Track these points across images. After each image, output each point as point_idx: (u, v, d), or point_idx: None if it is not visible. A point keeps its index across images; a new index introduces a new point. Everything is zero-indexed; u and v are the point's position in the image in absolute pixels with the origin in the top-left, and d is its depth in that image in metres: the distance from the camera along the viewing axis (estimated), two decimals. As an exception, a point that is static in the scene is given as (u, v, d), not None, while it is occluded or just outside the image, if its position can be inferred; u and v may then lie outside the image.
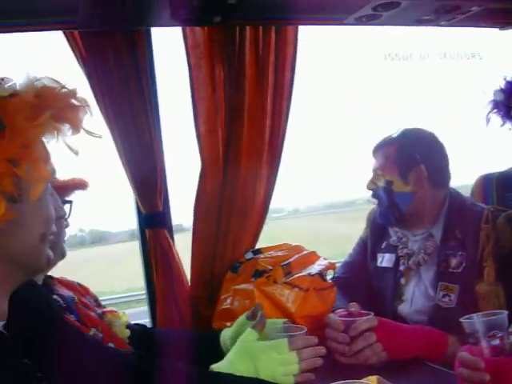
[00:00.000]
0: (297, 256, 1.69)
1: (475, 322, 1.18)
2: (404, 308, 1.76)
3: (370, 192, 1.80)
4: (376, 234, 1.94)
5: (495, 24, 1.94)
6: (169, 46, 1.93)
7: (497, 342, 1.14)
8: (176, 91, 1.87)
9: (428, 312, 1.70)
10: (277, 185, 1.84)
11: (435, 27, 1.89)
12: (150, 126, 1.74)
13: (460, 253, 1.67)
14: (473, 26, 1.93)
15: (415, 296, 1.75)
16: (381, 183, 1.76)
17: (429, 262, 1.73)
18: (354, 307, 1.51)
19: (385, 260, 1.87)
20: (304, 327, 1.35)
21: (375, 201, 1.82)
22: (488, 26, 1.94)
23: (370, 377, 1.13)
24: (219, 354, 1.29)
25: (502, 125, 1.24)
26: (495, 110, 1.24)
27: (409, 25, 1.83)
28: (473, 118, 1.37)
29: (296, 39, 1.80)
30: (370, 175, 1.81)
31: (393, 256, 1.84)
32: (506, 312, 1.19)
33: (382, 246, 1.90)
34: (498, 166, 1.95)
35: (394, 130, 1.83)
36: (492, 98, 1.24)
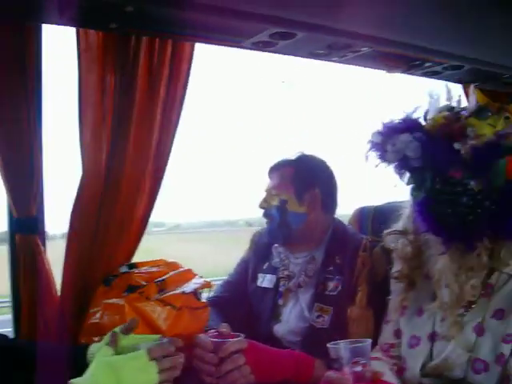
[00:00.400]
0: (172, 273, 1.66)
1: (341, 348, 1.22)
2: (280, 328, 1.80)
3: (252, 214, 1.83)
4: (259, 255, 1.97)
5: (384, 67, 2.05)
6: (62, 47, 1.84)
7: (359, 368, 1.19)
8: (64, 94, 1.79)
9: (302, 332, 1.74)
10: (159, 199, 1.80)
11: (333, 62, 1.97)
12: (31, 127, 1.64)
13: (337, 277, 1.74)
14: (363, 66, 2.03)
15: (291, 317, 1.79)
16: (274, 202, 1.80)
17: (308, 285, 1.78)
18: (224, 328, 1.51)
19: (265, 280, 1.90)
20: (165, 337, 1.32)
21: (266, 220, 1.85)
22: (377, 68, 2.06)
23: None
24: (85, 370, 1.23)
25: (377, 165, 1.30)
26: (373, 150, 1.30)
27: (303, 56, 1.88)
28: (355, 154, 1.43)
29: (192, 55, 1.79)
30: (263, 194, 1.84)
31: (274, 277, 1.88)
32: (369, 340, 1.25)
33: (264, 267, 1.93)
34: (374, 200, 2.08)
35: (288, 154, 1.89)
36: (371, 139, 1.30)
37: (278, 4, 1.52)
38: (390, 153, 1.25)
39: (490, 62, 2.14)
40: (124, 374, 1.14)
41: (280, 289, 1.84)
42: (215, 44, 1.80)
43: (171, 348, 1.24)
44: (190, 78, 1.81)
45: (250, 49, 1.82)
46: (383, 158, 1.28)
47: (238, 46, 1.81)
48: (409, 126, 1.27)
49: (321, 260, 1.80)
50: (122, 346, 1.24)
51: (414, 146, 1.21)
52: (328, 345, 1.23)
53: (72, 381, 1.12)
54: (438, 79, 2.34)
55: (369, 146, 1.33)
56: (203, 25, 1.61)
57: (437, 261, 1.28)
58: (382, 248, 1.53)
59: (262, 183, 1.89)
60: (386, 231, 1.48)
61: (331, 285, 1.75)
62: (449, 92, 1.33)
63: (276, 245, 1.92)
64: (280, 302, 1.83)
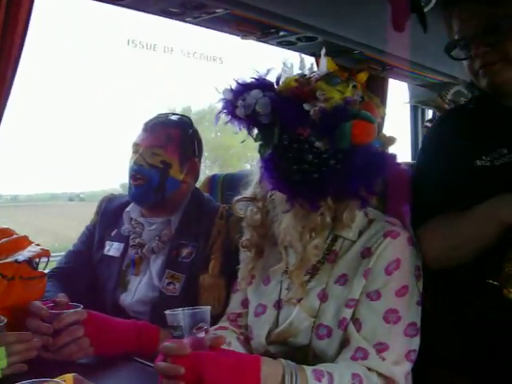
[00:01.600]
0: (4, 240, 1.51)
1: (180, 314, 1.18)
2: (126, 298, 1.73)
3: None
4: (106, 221, 1.87)
5: (238, 31, 2.03)
6: None
7: (202, 334, 1.16)
8: None
9: (151, 302, 1.69)
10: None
11: (183, 22, 1.91)
12: None
13: (192, 244, 1.70)
14: (217, 29, 1.99)
15: (140, 286, 1.73)
16: (155, 162, 1.70)
17: (161, 251, 1.72)
18: (62, 298, 1.41)
19: (112, 249, 1.81)
20: (3, 319, 1.23)
21: (135, 179, 1.72)
22: (231, 33, 2.03)
23: (65, 375, 1.06)
24: None
25: (226, 123, 1.28)
26: (224, 110, 1.28)
27: (154, 13, 1.79)
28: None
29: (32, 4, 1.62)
30: (139, 149, 1.72)
31: (121, 245, 1.79)
32: (209, 307, 1.23)
33: (112, 234, 1.83)
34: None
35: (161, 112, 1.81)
36: (222, 97, 1.27)
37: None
38: (240, 107, 1.23)
39: (342, 35, 2.21)
40: None
41: (132, 257, 1.77)
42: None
43: (27, 336, 1.22)
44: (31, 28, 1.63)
45: (98, 0, 1.69)
46: (233, 114, 1.26)
47: (84, -4, 1.68)
48: (261, 84, 1.26)
49: (176, 225, 1.76)
50: None
51: (264, 101, 1.21)
52: (166, 312, 1.19)
53: None
54: (293, 50, 2.38)
55: (220, 105, 1.30)
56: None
57: (282, 220, 1.29)
58: (238, 216, 1.52)
59: (101, 159, 1.75)
60: (235, 198, 1.46)
61: (185, 251, 1.71)
62: (302, 61, 1.34)
63: (128, 209, 1.83)
64: (131, 271, 1.76)
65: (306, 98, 1.21)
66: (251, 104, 1.21)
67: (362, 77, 1.32)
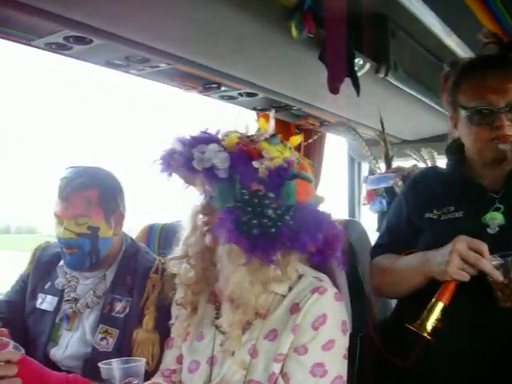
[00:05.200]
0: None
1: (113, 368, 1.16)
2: (57, 353, 1.66)
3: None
4: (40, 272, 1.81)
5: (181, 85, 2.08)
6: None
7: None
8: None
9: (83, 357, 1.63)
10: None
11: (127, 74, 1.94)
12: None
13: (126, 298, 1.67)
14: (161, 82, 2.03)
15: (72, 341, 1.67)
16: (82, 230, 1.64)
17: (96, 305, 1.68)
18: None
19: (45, 302, 1.74)
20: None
21: (66, 249, 1.66)
22: (174, 85, 2.08)
23: None
24: None
25: (169, 175, 1.30)
26: (172, 159, 1.29)
27: (100, 65, 1.82)
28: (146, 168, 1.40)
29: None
30: (60, 222, 1.65)
31: (55, 299, 1.73)
32: (143, 359, 1.21)
33: (46, 287, 1.77)
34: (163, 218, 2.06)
35: (74, 166, 1.72)
36: (171, 147, 1.29)
37: (76, 7, 1.45)
38: (198, 160, 1.24)
39: (280, 92, 2.31)
40: None
41: (66, 312, 1.71)
42: (5, 39, 1.64)
43: None
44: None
45: (43, 49, 1.71)
46: (186, 166, 1.26)
47: (28, 45, 1.68)
48: (211, 138, 1.28)
49: (111, 279, 1.72)
50: None
51: (223, 156, 1.23)
52: (99, 364, 1.17)
53: None
54: (234, 104, 2.45)
55: (165, 154, 1.31)
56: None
57: (231, 274, 1.28)
58: (172, 272, 1.51)
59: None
60: (168, 257, 1.46)
61: (119, 306, 1.67)
62: (238, 118, 1.39)
63: (61, 263, 1.78)
64: (66, 325, 1.70)
65: (253, 155, 1.25)
66: (210, 158, 1.23)
67: (295, 140, 1.39)
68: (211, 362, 1.35)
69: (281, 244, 1.23)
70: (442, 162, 1.93)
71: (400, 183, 2.61)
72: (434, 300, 1.27)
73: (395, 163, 2.87)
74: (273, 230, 1.22)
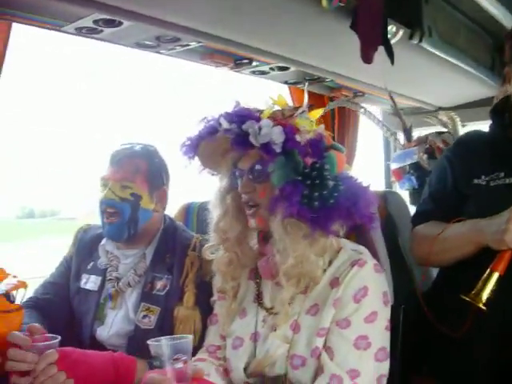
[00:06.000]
0: (-21, 274, 1.49)
1: (162, 345, 1.18)
2: (103, 332, 1.70)
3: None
4: (83, 253, 1.84)
5: (212, 62, 2.07)
6: None
7: (180, 365, 1.16)
8: None
9: (127, 335, 1.67)
10: None
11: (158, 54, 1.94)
12: None
13: (166, 276, 1.69)
14: (191, 60, 2.03)
15: (116, 319, 1.71)
16: (125, 195, 1.69)
17: (137, 284, 1.71)
18: (36, 329, 1.39)
19: (89, 282, 1.78)
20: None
21: (106, 214, 1.71)
22: (205, 63, 2.07)
23: None
24: None
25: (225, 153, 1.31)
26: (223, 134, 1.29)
27: (130, 46, 1.82)
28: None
29: (8, 36, 1.63)
30: (106, 183, 1.69)
31: (99, 278, 1.76)
32: (190, 336, 1.22)
33: (89, 267, 1.81)
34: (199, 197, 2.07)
35: (129, 142, 1.78)
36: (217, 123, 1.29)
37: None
38: (256, 136, 1.23)
39: (313, 65, 2.27)
40: None
41: (109, 291, 1.75)
42: (34, 25, 1.66)
43: None
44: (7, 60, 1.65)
45: (73, 34, 1.72)
46: (238, 142, 1.26)
47: (59, 30, 1.70)
48: (252, 114, 1.28)
49: (151, 258, 1.75)
50: None
51: (278, 130, 1.23)
52: (148, 341, 1.19)
53: None
54: (266, 79, 2.43)
55: (204, 132, 1.31)
56: (22, 4, 1.47)
57: (296, 246, 1.27)
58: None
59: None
60: (205, 246, 1.47)
61: (159, 284, 1.70)
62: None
63: (103, 243, 1.82)
64: (108, 304, 1.74)
65: (293, 130, 1.25)
66: (267, 133, 1.23)
67: (316, 114, 1.37)
68: (254, 338, 1.36)
69: (338, 214, 1.23)
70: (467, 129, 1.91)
71: (425, 156, 2.56)
72: (489, 270, 1.25)
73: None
74: (331, 201, 1.22)
